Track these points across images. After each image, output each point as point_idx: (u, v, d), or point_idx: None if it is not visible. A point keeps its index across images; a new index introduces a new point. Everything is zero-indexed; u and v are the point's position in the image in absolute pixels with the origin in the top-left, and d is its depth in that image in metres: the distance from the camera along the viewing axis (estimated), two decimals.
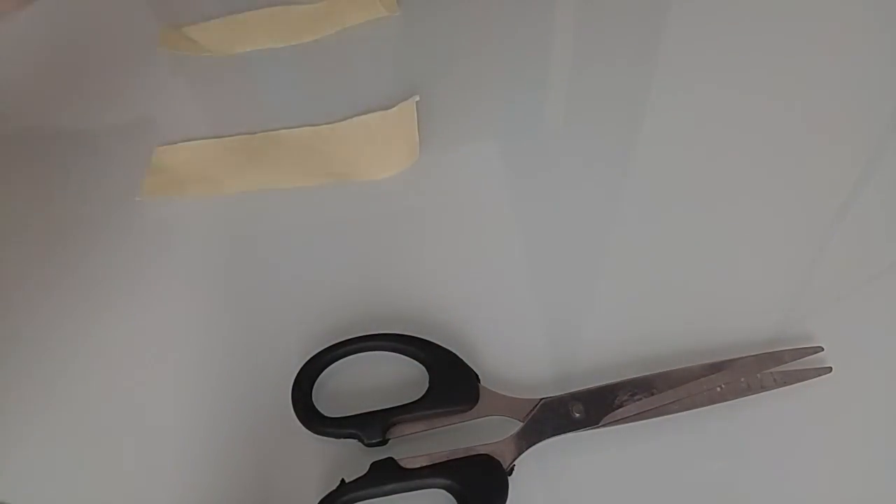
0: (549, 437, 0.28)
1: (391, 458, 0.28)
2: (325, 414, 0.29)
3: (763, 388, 0.30)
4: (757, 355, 0.30)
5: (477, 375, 0.30)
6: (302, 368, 0.30)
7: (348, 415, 0.29)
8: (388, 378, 0.31)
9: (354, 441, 0.29)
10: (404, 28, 0.45)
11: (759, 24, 0.44)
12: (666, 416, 0.29)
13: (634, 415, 0.29)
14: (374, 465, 0.27)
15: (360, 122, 0.40)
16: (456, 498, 0.27)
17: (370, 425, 0.29)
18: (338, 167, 0.38)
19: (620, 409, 0.29)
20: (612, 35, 0.44)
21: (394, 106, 0.40)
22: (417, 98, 0.40)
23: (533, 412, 0.29)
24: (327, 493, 0.27)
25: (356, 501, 0.27)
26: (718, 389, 0.30)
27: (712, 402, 0.29)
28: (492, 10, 0.46)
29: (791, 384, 0.30)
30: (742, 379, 0.30)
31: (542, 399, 0.29)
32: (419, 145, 0.39)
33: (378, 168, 0.38)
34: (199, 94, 0.43)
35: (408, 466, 0.27)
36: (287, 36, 0.45)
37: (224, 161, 0.39)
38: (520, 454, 0.28)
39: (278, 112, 0.41)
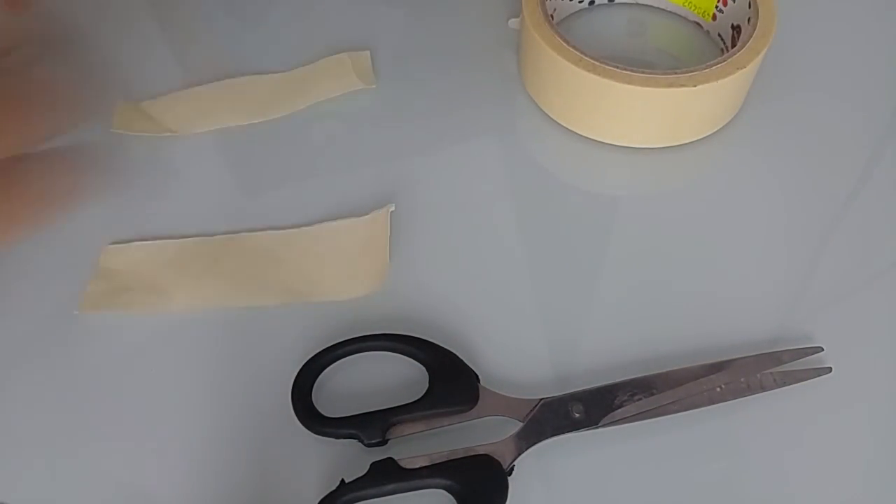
0: (548, 437, 0.28)
1: (391, 459, 0.28)
2: (325, 414, 0.29)
3: (763, 389, 0.30)
4: (757, 355, 0.30)
5: (477, 375, 0.30)
6: (302, 368, 0.30)
7: (348, 415, 0.29)
8: (388, 378, 0.31)
9: (354, 441, 0.29)
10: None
11: None
12: (666, 416, 0.29)
13: (634, 415, 0.29)
14: (373, 465, 0.27)
15: (328, 229, 0.36)
16: (456, 498, 0.27)
17: (370, 425, 0.29)
18: (300, 284, 0.34)
19: (620, 410, 0.29)
20: None
21: (369, 198, 0.37)
22: (393, 207, 0.36)
23: (533, 412, 0.29)
24: (327, 493, 0.27)
25: (356, 501, 0.27)
26: (718, 389, 0.30)
27: (712, 402, 0.29)
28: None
29: (791, 384, 0.30)
30: (742, 379, 0.30)
31: (541, 399, 0.29)
32: (388, 267, 0.34)
33: (342, 289, 0.34)
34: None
35: (408, 466, 0.27)
36: (254, 112, 0.41)
37: (176, 269, 0.34)
38: (520, 454, 0.28)
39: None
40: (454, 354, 0.30)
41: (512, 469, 0.28)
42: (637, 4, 0.45)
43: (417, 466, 0.27)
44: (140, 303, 0.34)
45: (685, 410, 0.29)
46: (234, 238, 0.36)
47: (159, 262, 0.35)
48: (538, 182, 0.38)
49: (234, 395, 0.31)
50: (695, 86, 0.35)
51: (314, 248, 0.35)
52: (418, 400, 0.29)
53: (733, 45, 0.39)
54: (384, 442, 0.29)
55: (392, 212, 0.36)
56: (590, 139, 0.39)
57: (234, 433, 0.30)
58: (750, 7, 0.39)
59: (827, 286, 0.34)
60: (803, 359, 0.30)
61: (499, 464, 0.28)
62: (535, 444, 0.28)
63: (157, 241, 0.36)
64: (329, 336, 0.31)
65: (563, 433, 0.29)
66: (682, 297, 0.33)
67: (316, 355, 0.31)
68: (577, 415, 0.29)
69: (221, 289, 0.34)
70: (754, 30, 0.37)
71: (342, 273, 0.35)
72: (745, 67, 0.36)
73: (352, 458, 0.29)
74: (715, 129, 0.39)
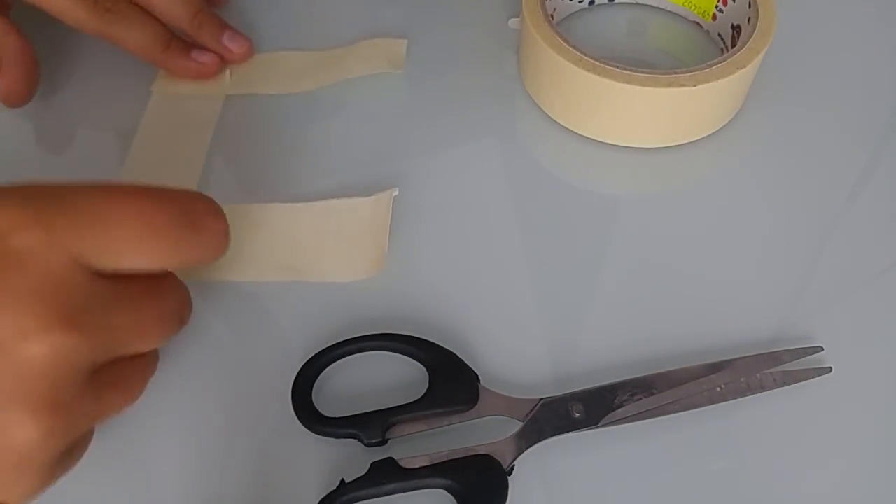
0: (548, 437, 0.28)
1: (391, 458, 0.28)
2: (325, 414, 0.29)
3: (763, 389, 0.30)
4: (756, 355, 0.30)
5: (477, 375, 0.30)
6: (302, 368, 0.30)
7: (348, 415, 0.29)
8: (388, 378, 0.31)
9: (354, 441, 0.29)
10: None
11: None
12: (666, 416, 0.29)
13: (634, 415, 0.29)
14: (373, 465, 0.27)
15: (331, 206, 0.36)
16: (456, 498, 0.27)
17: (370, 425, 0.29)
18: (298, 262, 0.35)
19: (620, 409, 0.29)
20: None
21: (374, 182, 0.37)
22: (396, 192, 0.36)
23: (533, 412, 0.29)
24: (327, 493, 0.27)
25: (356, 501, 0.27)
26: (718, 389, 0.30)
27: (712, 402, 0.29)
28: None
29: (791, 384, 0.30)
30: (742, 379, 0.30)
31: (541, 399, 0.29)
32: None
33: (340, 270, 0.35)
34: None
35: (408, 466, 0.27)
36: (283, 83, 0.43)
37: None
38: (520, 454, 0.28)
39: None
40: (454, 354, 0.30)
41: (512, 469, 0.28)
42: (637, 4, 0.45)
43: (417, 466, 0.27)
44: None
45: (685, 410, 0.29)
46: (235, 209, 0.36)
47: None
48: (538, 182, 0.38)
49: (234, 395, 0.31)
50: (695, 86, 0.35)
51: (316, 224, 0.36)
52: (418, 400, 0.29)
53: (733, 45, 0.39)
54: (384, 442, 0.29)
55: (395, 196, 0.36)
56: (590, 139, 0.39)
57: (234, 433, 0.30)
58: (750, 7, 0.39)
59: (827, 286, 0.34)
60: (803, 359, 0.30)
61: (499, 464, 0.28)
62: (535, 443, 0.28)
63: None
64: (330, 328, 0.31)
65: (563, 433, 0.29)
66: (682, 297, 0.33)
67: (316, 355, 0.31)
68: (577, 415, 0.29)
69: (225, 265, 0.34)
70: (754, 30, 0.37)
71: (341, 254, 0.35)
72: (745, 67, 0.36)
73: (352, 458, 0.29)
74: (715, 129, 0.39)
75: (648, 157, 0.39)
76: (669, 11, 0.45)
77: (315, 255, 0.35)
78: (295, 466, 0.29)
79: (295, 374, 0.30)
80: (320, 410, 0.29)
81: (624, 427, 0.29)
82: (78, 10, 0.37)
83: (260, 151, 0.40)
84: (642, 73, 0.35)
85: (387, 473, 0.27)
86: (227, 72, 0.43)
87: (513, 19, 0.45)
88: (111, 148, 0.40)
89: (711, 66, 0.36)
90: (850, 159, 0.38)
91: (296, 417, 0.29)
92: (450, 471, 0.27)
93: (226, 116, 0.41)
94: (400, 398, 0.29)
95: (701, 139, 0.39)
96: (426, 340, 0.31)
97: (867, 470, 0.29)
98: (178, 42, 0.41)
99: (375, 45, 0.44)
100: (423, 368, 0.30)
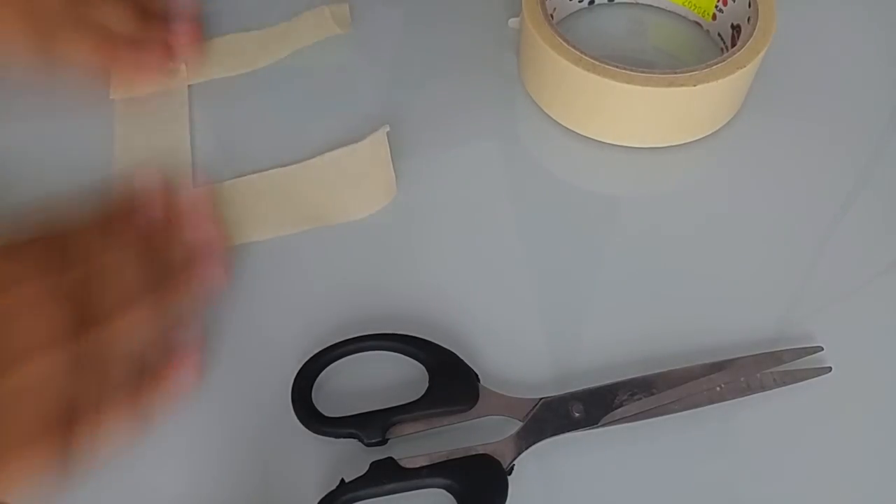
0: (548, 437, 0.28)
1: (391, 458, 0.28)
2: (325, 414, 0.29)
3: (763, 388, 0.30)
4: (757, 355, 0.30)
5: (477, 375, 0.30)
6: (302, 368, 0.30)
7: (348, 415, 0.29)
8: (388, 378, 0.31)
9: (354, 441, 0.29)
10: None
11: None
12: (666, 416, 0.29)
13: (634, 415, 0.29)
14: (373, 464, 0.27)
15: (330, 158, 0.37)
16: (456, 498, 0.27)
17: (370, 425, 0.29)
18: (314, 211, 0.36)
19: (620, 409, 0.29)
20: None
21: (362, 131, 0.38)
22: (388, 128, 0.38)
23: (533, 412, 0.29)
24: (327, 492, 0.27)
25: (356, 501, 0.27)
26: (718, 389, 0.30)
27: (712, 402, 0.29)
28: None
29: (791, 384, 0.30)
30: (742, 379, 0.30)
31: (541, 399, 0.29)
32: (395, 177, 0.37)
33: (355, 208, 0.36)
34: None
35: (408, 466, 0.27)
36: (241, 63, 0.43)
37: None
38: (519, 454, 0.28)
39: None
40: (454, 354, 0.30)
41: (512, 468, 0.28)
42: (637, 4, 0.45)
43: (417, 466, 0.27)
44: None
45: (685, 410, 0.29)
46: (242, 181, 0.38)
47: None
48: (538, 182, 0.38)
49: (235, 394, 0.31)
50: (695, 85, 0.35)
51: (321, 176, 0.37)
52: (418, 399, 0.29)
53: (733, 45, 0.39)
54: (384, 441, 0.29)
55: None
56: (590, 139, 0.39)
57: (234, 433, 0.30)
58: (750, 7, 0.39)
59: (827, 286, 0.34)
60: (803, 358, 0.30)
61: (499, 463, 0.28)
62: (535, 443, 0.28)
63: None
64: (330, 331, 0.31)
65: (563, 433, 0.29)
66: (682, 297, 0.33)
67: (316, 355, 0.31)
68: (577, 414, 0.29)
69: (241, 228, 0.36)
70: (754, 29, 0.37)
71: (352, 194, 0.37)
72: (745, 67, 0.36)
73: (352, 458, 0.29)
74: (715, 129, 0.39)
75: (648, 157, 0.38)
76: (669, 11, 0.45)
77: (328, 202, 0.36)
78: (295, 466, 0.29)
79: (295, 374, 0.30)
80: (320, 410, 0.29)
81: (624, 427, 0.29)
82: (24, 40, 0.38)
83: (240, 129, 0.41)
84: (642, 73, 0.35)
85: (387, 473, 0.27)
86: (182, 64, 0.43)
87: (513, 19, 0.45)
88: (81, 164, 0.39)
89: (711, 65, 0.36)
90: (850, 159, 0.38)
91: (296, 417, 0.29)
92: (450, 470, 0.27)
93: (195, 105, 0.42)
94: (400, 398, 0.29)
95: (701, 139, 0.39)
96: (426, 340, 0.31)
97: (867, 469, 0.29)
98: (125, 40, 0.41)
99: (320, 11, 0.46)
100: (423, 368, 0.30)
